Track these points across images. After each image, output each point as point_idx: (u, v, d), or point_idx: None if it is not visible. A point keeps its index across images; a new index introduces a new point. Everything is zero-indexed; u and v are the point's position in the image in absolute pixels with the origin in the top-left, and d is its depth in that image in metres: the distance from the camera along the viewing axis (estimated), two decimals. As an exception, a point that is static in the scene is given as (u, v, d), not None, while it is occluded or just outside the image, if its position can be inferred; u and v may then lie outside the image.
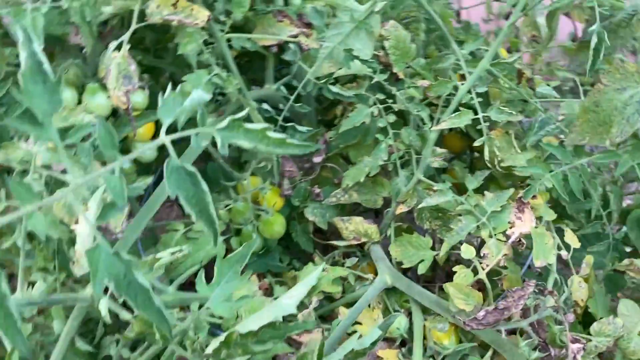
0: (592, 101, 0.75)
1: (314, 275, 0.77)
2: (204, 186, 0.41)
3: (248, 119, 1.02)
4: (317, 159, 1.03)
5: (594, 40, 0.62)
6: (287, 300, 0.66)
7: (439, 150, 0.88)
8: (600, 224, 0.93)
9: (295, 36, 1.00)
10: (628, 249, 1.02)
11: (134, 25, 0.79)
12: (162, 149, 1.04)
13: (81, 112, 0.71)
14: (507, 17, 1.60)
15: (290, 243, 1.05)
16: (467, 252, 0.76)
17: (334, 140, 1.02)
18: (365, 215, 1.01)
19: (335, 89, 0.87)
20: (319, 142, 1.04)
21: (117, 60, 0.73)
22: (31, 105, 0.42)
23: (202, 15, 0.75)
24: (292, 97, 0.89)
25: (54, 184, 0.74)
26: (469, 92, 0.82)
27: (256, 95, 1.04)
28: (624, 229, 1.02)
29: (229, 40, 0.93)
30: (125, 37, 0.77)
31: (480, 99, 0.84)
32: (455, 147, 1.06)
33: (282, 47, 1.01)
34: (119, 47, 0.76)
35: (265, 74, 1.07)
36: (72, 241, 0.68)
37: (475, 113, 0.81)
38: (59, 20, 0.77)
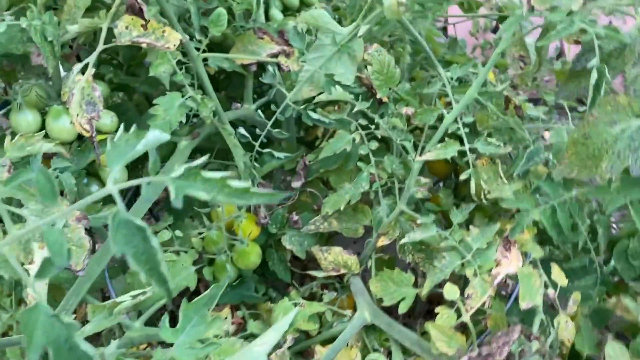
0: (582, 134, 0.72)
1: (287, 318, 0.73)
2: (155, 242, 0.37)
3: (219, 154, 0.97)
4: (295, 184, 0.98)
5: (594, 76, 0.59)
6: (259, 348, 0.61)
7: (423, 180, 0.84)
8: (588, 257, 0.89)
9: (276, 55, 0.96)
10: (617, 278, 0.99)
11: (100, 46, 0.74)
12: (132, 169, 0.99)
13: (39, 141, 0.66)
14: (494, 30, 1.56)
15: (266, 271, 1.01)
16: (450, 292, 0.72)
17: (314, 164, 0.98)
18: (347, 242, 0.97)
19: (315, 115, 0.83)
20: (298, 165, 1.00)
21: (81, 85, 0.68)
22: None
23: (174, 38, 0.71)
24: (270, 122, 0.84)
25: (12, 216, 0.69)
26: (456, 121, 0.79)
27: (234, 116, 1.00)
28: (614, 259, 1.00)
29: (205, 59, 0.89)
30: (91, 59, 0.72)
31: (467, 129, 0.80)
32: (440, 172, 1.02)
33: (263, 65, 0.97)
34: (84, 70, 0.71)
35: (244, 92, 1.03)
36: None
37: (462, 143, 0.77)
38: (20, 38, 0.72)
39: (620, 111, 0.68)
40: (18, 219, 0.63)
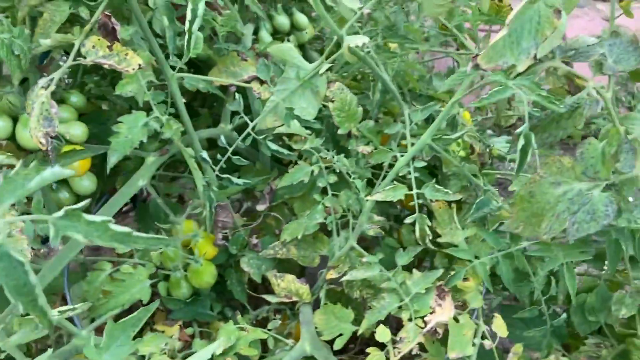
0: (528, 191, 0.72)
1: (220, 342, 0.74)
2: (34, 277, 0.38)
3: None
4: (260, 207, 1.00)
5: (521, 142, 0.59)
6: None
7: (376, 217, 0.85)
8: (538, 309, 0.89)
9: (249, 81, 0.98)
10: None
11: (69, 62, 0.76)
12: (110, 176, 1.01)
13: (-9, 152, 0.68)
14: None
15: (224, 290, 1.02)
16: (381, 335, 0.72)
17: (280, 189, 0.99)
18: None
19: (273, 146, 0.84)
20: (265, 188, 1.01)
21: (41, 100, 0.70)
22: None
23: (135, 61, 0.73)
24: (231, 148, 0.86)
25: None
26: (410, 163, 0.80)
27: (207, 135, 1.02)
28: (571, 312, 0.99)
29: (182, 78, 0.91)
30: (57, 75, 0.75)
31: (422, 171, 0.81)
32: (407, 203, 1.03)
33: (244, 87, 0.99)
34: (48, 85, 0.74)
35: (222, 112, 1.05)
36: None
37: (411, 188, 0.78)
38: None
39: (564, 173, 0.68)
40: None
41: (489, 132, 1.75)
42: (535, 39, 0.64)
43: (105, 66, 0.73)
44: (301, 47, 1.22)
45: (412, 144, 0.80)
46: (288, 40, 1.17)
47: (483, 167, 0.89)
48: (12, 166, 0.74)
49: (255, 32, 1.14)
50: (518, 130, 0.59)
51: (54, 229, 0.39)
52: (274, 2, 1.17)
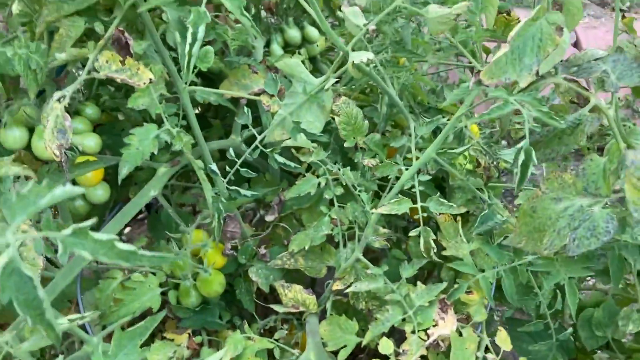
0: (530, 206, 0.73)
1: (223, 351, 0.76)
2: (42, 292, 0.40)
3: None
4: (269, 218, 1.01)
5: (522, 157, 0.60)
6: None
7: (382, 230, 0.86)
8: (544, 323, 0.89)
9: (259, 94, 0.99)
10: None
11: (83, 76, 0.79)
12: (123, 186, 1.03)
13: (7, 165, 0.71)
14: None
15: (233, 299, 1.04)
16: (384, 347, 0.73)
17: (289, 200, 1.01)
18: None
19: (280, 158, 0.86)
20: (274, 199, 1.03)
21: (56, 113, 0.73)
22: None
23: (146, 76, 0.75)
24: (240, 160, 0.87)
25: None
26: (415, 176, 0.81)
27: (217, 146, 1.04)
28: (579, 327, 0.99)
29: (193, 91, 0.93)
30: (70, 88, 0.77)
31: (428, 184, 0.82)
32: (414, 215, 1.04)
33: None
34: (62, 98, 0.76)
35: (233, 124, 1.07)
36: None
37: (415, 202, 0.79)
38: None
39: (565, 189, 0.69)
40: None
41: (503, 142, 1.75)
42: (537, 55, 0.65)
43: (118, 80, 0.75)
44: (312, 59, 1.23)
45: (418, 158, 0.81)
46: (299, 53, 1.19)
47: (489, 180, 0.89)
48: (27, 177, 0.76)
49: (267, 44, 1.16)
50: (519, 146, 0.59)
51: (62, 246, 0.40)
52: (285, 16, 1.19)
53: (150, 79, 0.74)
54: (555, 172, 0.70)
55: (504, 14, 1.04)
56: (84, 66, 0.82)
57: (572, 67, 0.72)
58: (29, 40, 0.90)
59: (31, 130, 0.89)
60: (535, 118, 0.67)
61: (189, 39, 0.58)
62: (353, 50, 0.79)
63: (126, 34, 0.83)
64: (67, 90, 0.77)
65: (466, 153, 0.90)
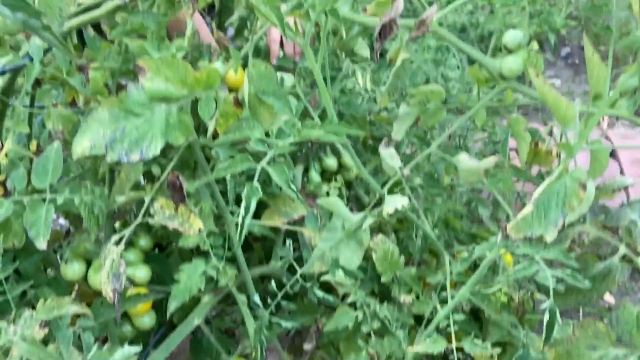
0: (565, 350, 0.74)
1: None
2: None
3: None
4: (307, 346, 1.04)
5: (546, 317, 0.63)
6: None
7: (418, 365, 0.87)
8: None
9: (298, 221, 1.05)
10: None
11: (138, 220, 0.86)
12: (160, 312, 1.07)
13: (68, 304, 0.76)
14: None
15: None
16: None
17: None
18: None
19: (319, 292, 0.90)
20: (312, 327, 1.05)
21: (112, 257, 0.79)
22: None
23: (196, 225, 0.82)
24: (280, 294, 0.92)
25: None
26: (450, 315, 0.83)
27: (259, 272, 1.09)
28: None
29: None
30: (127, 232, 0.84)
31: (463, 322, 0.84)
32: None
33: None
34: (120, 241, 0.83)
35: (273, 249, 1.12)
36: None
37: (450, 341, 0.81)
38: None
39: (599, 338, 0.70)
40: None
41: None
42: (562, 210, 0.69)
43: (170, 227, 0.82)
44: (348, 184, 1.30)
45: (452, 296, 0.84)
46: (336, 179, 1.25)
47: (524, 314, 0.91)
48: (85, 315, 0.81)
49: (305, 170, 1.23)
50: (543, 306, 0.62)
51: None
52: (323, 145, 1.27)
53: (200, 229, 0.81)
54: (588, 320, 0.71)
55: (533, 144, 1.09)
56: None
57: (600, 214, 0.75)
58: (91, 175, 1.00)
59: (88, 263, 0.96)
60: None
61: (242, 212, 0.64)
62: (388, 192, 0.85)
63: (180, 178, 0.91)
64: (125, 233, 0.83)
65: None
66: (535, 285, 1.04)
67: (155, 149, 0.65)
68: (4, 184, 0.87)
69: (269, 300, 0.95)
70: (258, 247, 1.30)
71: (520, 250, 0.67)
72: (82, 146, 0.67)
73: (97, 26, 1.01)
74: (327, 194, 1.17)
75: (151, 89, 0.63)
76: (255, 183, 0.62)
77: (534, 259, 0.66)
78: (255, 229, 1.03)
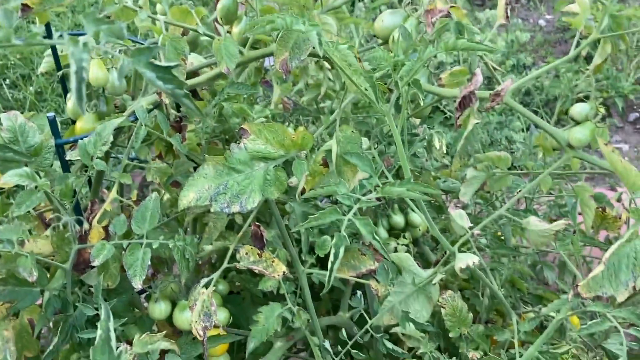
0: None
1: None
2: None
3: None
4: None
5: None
6: None
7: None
8: None
9: (366, 275, 1.10)
10: None
11: (224, 265, 0.93)
12: (232, 354, 1.13)
13: (159, 340, 0.83)
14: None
15: None
16: None
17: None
18: None
19: (389, 344, 0.94)
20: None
21: (203, 298, 0.86)
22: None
23: (279, 269, 0.88)
24: (350, 342, 0.96)
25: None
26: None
27: (327, 322, 1.14)
28: None
29: (310, 273, 1.05)
30: (215, 275, 0.91)
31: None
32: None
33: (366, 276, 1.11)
34: (208, 284, 0.90)
35: (342, 300, 1.17)
36: None
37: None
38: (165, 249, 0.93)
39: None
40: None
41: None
42: (633, 272, 0.71)
43: (255, 271, 0.89)
44: (415, 241, 1.34)
45: (520, 354, 0.86)
46: (404, 237, 1.30)
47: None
48: (173, 351, 0.88)
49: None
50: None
51: None
52: (391, 202, 1.32)
53: (284, 271, 0.87)
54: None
55: (600, 209, 1.11)
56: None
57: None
58: (176, 223, 1.09)
59: (173, 304, 1.03)
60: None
61: (332, 258, 0.70)
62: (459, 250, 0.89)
63: (261, 228, 0.99)
64: (213, 277, 0.91)
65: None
66: (603, 352, 1.04)
67: (253, 202, 0.73)
68: (106, 228, 0.97)
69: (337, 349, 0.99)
70: (326, 298, 1.35)
71: (591, 308, 0.69)
72: (188, 198, 0.75)
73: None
74: (395, 249, 1.22)
75: (253, 149, 0.71)
76: (343, 232, 0.68)
77: (605, 318, 0.68)
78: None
